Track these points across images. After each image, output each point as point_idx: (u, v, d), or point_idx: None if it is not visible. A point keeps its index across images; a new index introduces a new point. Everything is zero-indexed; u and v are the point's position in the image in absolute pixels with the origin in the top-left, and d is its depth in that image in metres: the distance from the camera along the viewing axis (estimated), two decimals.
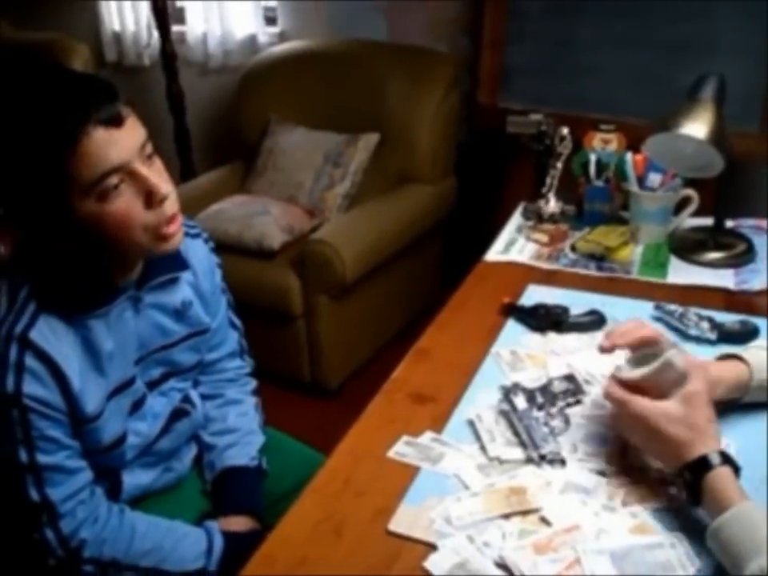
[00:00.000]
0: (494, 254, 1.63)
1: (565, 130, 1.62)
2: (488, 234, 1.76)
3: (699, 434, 0.90)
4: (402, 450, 1.05)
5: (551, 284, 1.49)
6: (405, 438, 1.07)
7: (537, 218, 1.67)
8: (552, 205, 1.65)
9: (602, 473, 0.99)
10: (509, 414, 1.09)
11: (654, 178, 1.61)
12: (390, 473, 1.01)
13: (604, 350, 1.04)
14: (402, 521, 0.92)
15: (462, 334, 1.33)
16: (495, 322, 1.36)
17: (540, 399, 1.09)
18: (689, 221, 1.63)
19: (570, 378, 1.15)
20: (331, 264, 2.30)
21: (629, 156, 1.61)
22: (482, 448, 1.04)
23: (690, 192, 1.59)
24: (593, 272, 1.53)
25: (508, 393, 1.10)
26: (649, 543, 0.87)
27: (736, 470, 0.88)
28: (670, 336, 1.26)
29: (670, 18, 2.02)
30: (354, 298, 2.47)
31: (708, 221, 1.61)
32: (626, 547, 0.86)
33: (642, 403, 0.95)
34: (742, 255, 1.53)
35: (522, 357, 1.25)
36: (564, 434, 1.06)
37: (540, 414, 1.07)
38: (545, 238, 1.64)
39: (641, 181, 1.61)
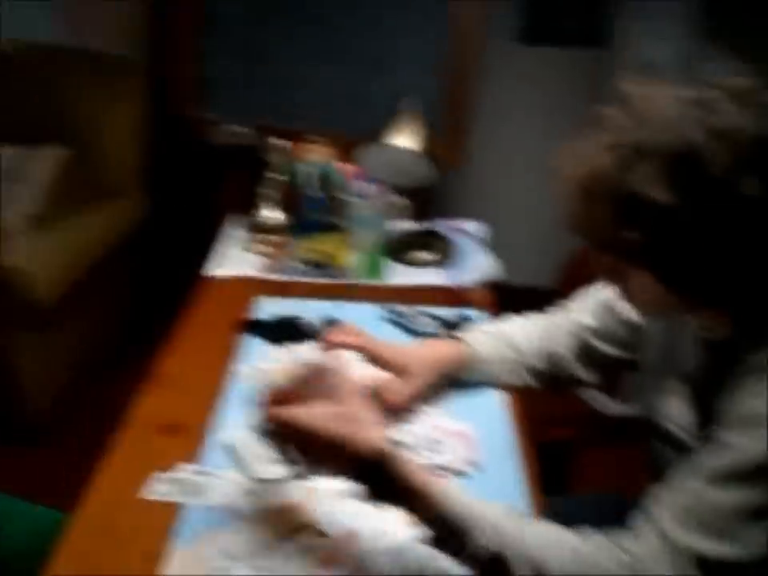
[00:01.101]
0: (217, 268, 1.59)
1: (278, 142, 1.63)
2: (202, 248, 1.70)
3: (359, 427, 0.83)
4: (159, 488, 0.97)
5: (281, 295, 1.49)
6: (159, 474, 0.99)
7: (257, 229, 1.66)
8: (271, 216, 1.66)
9: None
10: (267, 432, 1.06)
11: (366, 187, 1.69)
12: (152, 515, 0.93)
13: (322, 346, 1.09)
14: (177, 565, 0.85)
15: (199, 356, 1.27)
16: (232, 339, 1.32)
17: None
18: (399, 225, 1.74)
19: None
20: (22, 292, 2.05)
21: (338, 166, 1.67)
22: (246, 471, 1.00)
23: (399, 198, 1.71)
24: (319, 279, 1.56)
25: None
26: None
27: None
28: (400, 336, 1.35)
29: (358, 34, 2.15)
30: (57, 327, 2.23)
31: (414, 224, 1.75)
32: (406, 542, 0.89)
33: (290, 412, 0.85)
34: (447, 255, 1.68)
35: (263, 371, 1.22)
36: None
37: None
38: (268, 250, 1.64)
39: (353, 189, 1.68)
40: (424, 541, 0.83)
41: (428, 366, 1.15)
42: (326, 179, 1.71)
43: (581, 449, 1.48)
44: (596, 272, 0.92)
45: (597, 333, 1.17)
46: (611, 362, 1.18)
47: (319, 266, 1.60)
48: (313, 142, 1.70)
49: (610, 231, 0.80)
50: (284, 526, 0.91)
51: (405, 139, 1.43)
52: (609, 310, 1.15)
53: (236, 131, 2.13)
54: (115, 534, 0.90)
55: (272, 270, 1.59)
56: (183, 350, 1.29)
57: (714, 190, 0.74)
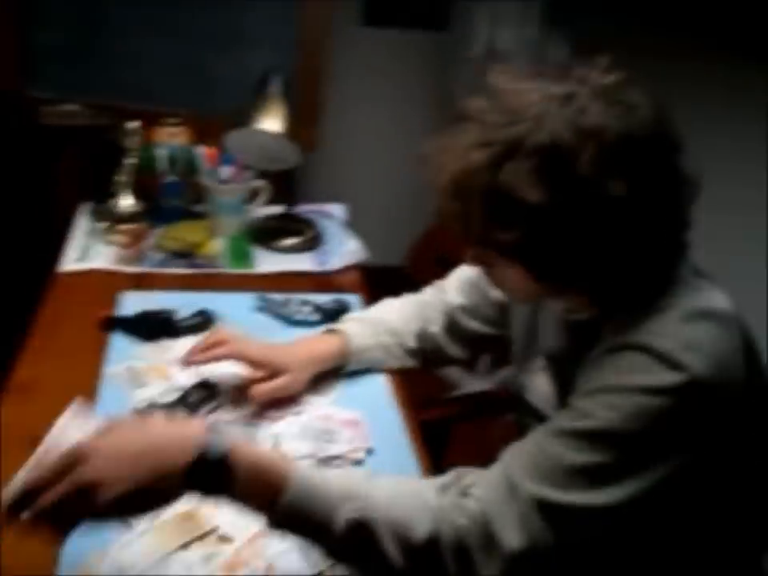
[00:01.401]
0: (70, 263, 1.47)
1: (133, 124, 1.53)
2: (47, 242, 1.57)
3: (158, 448, 0.75)
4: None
5: (144, 288, 1.41)
6: None
7: (112, 219, 1.56)
8: (127, 203, 1.56)
9: None
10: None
11: (226, 171, 1.63)
12: (26, 539, 0.84)
13: (185, 364, 1.08)
14: None
15: (64, 359, 1.18)
16: (98, 338, 1.23)
17: (182, 413, 1.03)
18: (262, 210, 1.70)
19: (205, 385, 1.11)
20: None
21: (200, 149, 1.60)
22: None
23: (260, 182, 1.66)
24: (184, 270, 1.49)
25: (145, 414, 1.02)
26: None
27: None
28: (275, 325, 1.32)
29: (208, 8, 2.04)
30: None
31: (277, 209, 1.71)
32: None
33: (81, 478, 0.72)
34: (314, 239, 1.66)
35: (141, 372, 1.16)
36: None
37: None
38: (125, 240, 1.54)
39: (214, 174, 1.61)
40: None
41: (307, 365, 1.13)
42: (184, 163, 1.63)
43: (454, 426, 1.53)
44: (467, 261, 0.94)
45: (465, 310, 1.20)
46: (479, 338, 1.23)
47: (182, 255, 1.52)
48: (168, 124, 1.62)
49: (482, 227, 0.82)
50: (184, 534, 0.86)
51: (269, 121, 1.39)
52: (477, 288, 1.19)
53: (71, 110, 1.97)
54: None
55: (130, 261, 1.50)
56: (45, 353, 1.19)
57: (582, 188, 0.76)
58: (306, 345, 1.17)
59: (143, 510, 0.76)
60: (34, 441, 0.97)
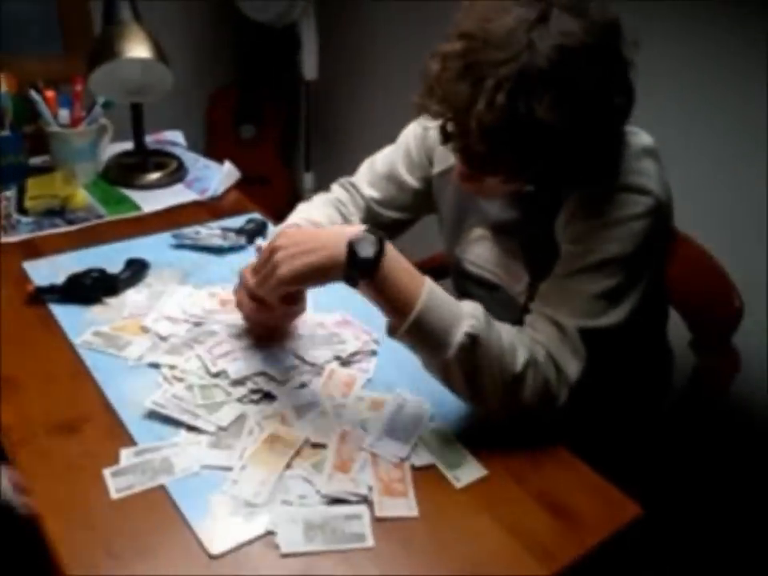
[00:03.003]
0: None
1: None
2: None
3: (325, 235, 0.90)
4: (119, 484, 0.85)
5: (36, 256, 1.28)
6: (108, 471, 0.86)
7: None
8: None
9: (304, 384, 1.02)
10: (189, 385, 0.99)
11: (64, 114, 1.49)
12: (135, 514, 0.82)
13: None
14: (217, 540, 0.80)
15: (21, 345, 1.06)
16: (36, 315, 1.13)
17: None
18: (112, 149, 1.58)
19: (197, 324, 1.09)
20: None
21: (37, 95, 1.43)
22: (193, 428, 0.93)
23: (105, 121, 1.54)
24: (66, 228, 1.37)
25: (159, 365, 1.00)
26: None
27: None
28: (198, 256, 1.30)
29: None
30: None
31: (125, 145, 1.61)
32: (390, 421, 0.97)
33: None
34: (177, 170, 1.60)
35: (113, 334, 1.09)
36: (237, 373, 1.02)
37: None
38: None
39: (56, 120, 1.46)
40: None
41: None
42: (15, 113, 1.45)
43: None
44: (460, 180, 1.02)
45: (381, 203, 1.30)
46: (395, 224, 1.34)
47: (56, 212, 1.39)
48: None
49: (489, 155, 0.89)
50: (279, 457, 0.89)
51: (133, 49, 1.29)
52: (390, 180, 1.29)
53: None
54: (113, 548, 0.79)
55: (2, 232, 1.33)
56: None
57: (586, 102, 0.86)
58: None
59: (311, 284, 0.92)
60: (56, 428, 0.92)
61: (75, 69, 1.47)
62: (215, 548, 0.78)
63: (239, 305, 1.05)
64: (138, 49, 1.30)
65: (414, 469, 0.90)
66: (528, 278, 1.10)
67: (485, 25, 0.86)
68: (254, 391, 0.99)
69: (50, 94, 1.44)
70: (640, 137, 1.02)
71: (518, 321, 1.00)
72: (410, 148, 1.24)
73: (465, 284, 1.24)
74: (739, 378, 1.27)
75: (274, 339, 1.08)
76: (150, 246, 1.31)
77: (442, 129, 0.94)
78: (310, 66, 2.45)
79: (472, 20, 0.88)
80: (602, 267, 0.96)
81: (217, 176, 1.55)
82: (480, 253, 1.18)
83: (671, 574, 1.57)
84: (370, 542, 0.81)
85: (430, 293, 0.88)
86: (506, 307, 1.12)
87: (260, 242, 1.23)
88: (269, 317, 1.04)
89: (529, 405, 0.92)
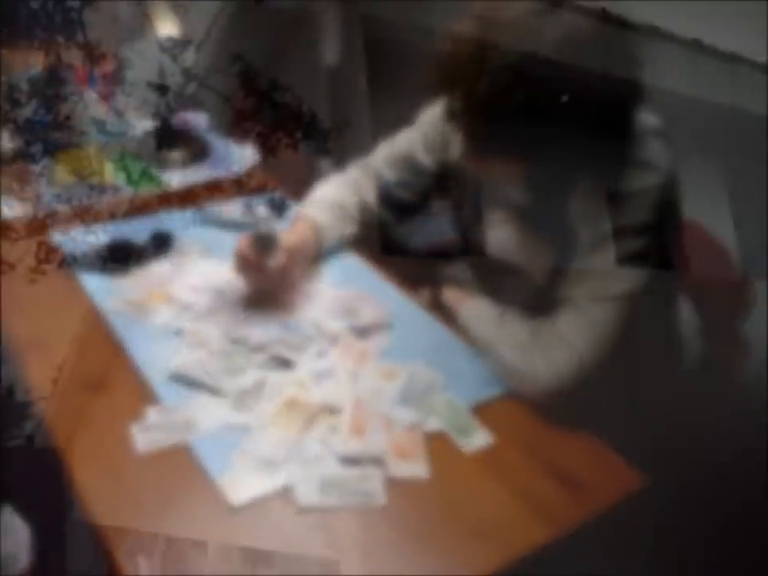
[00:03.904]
0: None
1: None
2: None
3: None
4: (145, 440, 0.90)
5: (71, 228, 1.32)
6: (135, 427, 0.91)
7: None
8: (6, 142, 1.41)
9: (322, 353, 1.06)
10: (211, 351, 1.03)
11: (94, 91, 1.53)
12: (160, 468, 0.87)
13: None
14: (237, 492, 0.84)
15: (52, 307, 1.11)
16: (66, 284, 1.17)
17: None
18: (140, 128, 1.62)
19: (220, 294, 1.13)
20: None
21: (66, 72, 1.47)
22: (216, 389, 0.98)
23: (132, 100, 1.57)
24: (94, 201, 1.41)
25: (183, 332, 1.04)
26: None
27: None
28: (228, 233, 1.34)
29: None
30: None
31: (148, 123, 1.65)
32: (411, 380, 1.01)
33: None
34: (201, 148, 1.64)
35: (139, 302, 1.14)
36: (257, 340, 1.06)
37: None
38: (14, 184, 1.41)
39: (86, 97, 1.50)
40: None
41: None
42: (44, 90, 1.49)
43: None
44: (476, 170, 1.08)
45: (396, 184, 1.33)
46: (410, 206, 1.37)
47: (84, 186, 1.44)
48: (21, 48, 1.45)
49: (491, 136, 0.93)
50: (296, 421, 0.94)
51: (163, 27, 1.33)
52: (407, 160, 1.32)
53: None
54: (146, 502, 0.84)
55: (29, 205, 1.38)
56: (30, 313, 1.11)
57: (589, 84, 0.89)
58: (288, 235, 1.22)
59: None
60: (92, 386, 0.97)
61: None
62: (236, 499, 0.83)
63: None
64: (165, 27, 1.34)
65: (426, 434, 0.94)
66: (547, 261, 1.14)
67: (496, 8, 0.89)
68: (273, 358, 1.03)
69: (80, 70, 1.48)
70: (647, 117, 1.05)
71: (533, 305, 1.04)
72: (428, 129, 1.27)
73: (483, 267, 1.27)
74: (749, 365, 1.30)
75: (279, 305, 1.14)
76: (175, 222, 1.36)
77: (449, 108, 0.97)
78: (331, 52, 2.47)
79: (485, 2, 0.92)
80: (631, 232, 1.00)
81: (234, 157, 1.59)
82: (499, 236, 1.21)
83: (672, 544, 1.59)
84: (382, 500, 0.85)
85: None
86: (523, 291, 1.15)
87: (260, 209, 1.28)
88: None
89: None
